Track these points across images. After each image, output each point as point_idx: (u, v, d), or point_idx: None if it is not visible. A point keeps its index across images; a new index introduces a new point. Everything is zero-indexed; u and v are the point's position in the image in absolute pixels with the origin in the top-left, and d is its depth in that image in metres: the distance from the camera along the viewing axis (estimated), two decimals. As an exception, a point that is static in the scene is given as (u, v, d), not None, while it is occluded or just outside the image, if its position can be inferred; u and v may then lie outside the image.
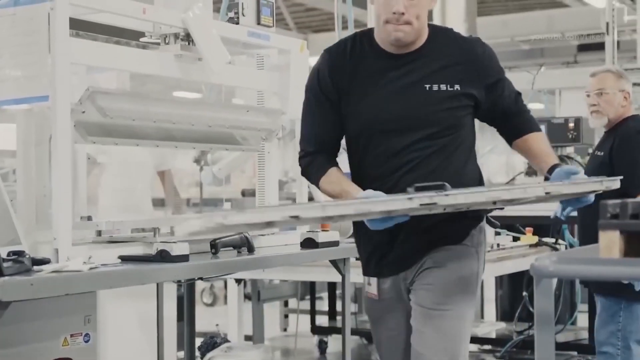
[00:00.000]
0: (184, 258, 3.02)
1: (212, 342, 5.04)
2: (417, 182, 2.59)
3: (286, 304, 8.43)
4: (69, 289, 2.69)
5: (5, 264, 2.57)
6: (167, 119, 3.43)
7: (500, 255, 5.08)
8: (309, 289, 7.52)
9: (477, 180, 2.96)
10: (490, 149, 10.52)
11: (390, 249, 2.91)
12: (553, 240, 5.93)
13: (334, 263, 3.91)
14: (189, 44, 3.44)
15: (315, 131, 2.95)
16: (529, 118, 3.06)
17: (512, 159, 9.68)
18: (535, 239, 5.65)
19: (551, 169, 2.89)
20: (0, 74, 2.99)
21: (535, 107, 12.46)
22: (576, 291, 6.41)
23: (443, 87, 2.81)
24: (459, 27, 12.89)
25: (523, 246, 5.55)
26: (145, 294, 4.78)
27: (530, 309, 6.00)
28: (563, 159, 6.30)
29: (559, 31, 16.70)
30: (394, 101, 2.82)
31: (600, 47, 8.74)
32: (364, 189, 2.74)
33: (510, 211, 6.33)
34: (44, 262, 2.78)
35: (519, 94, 3.04)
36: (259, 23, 3.85)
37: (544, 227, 5.94)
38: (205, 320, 7.47)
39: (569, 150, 6.79)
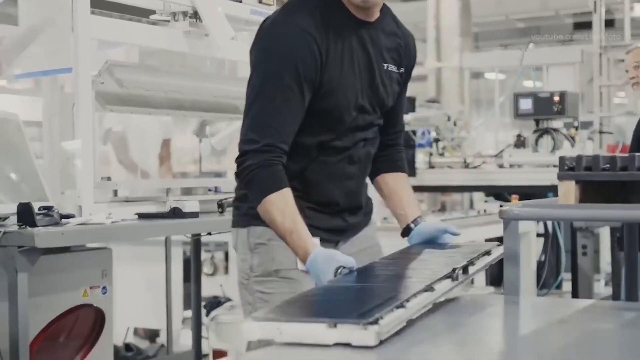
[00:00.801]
0: (194, 215, 3.35)
1: (216, 301, 5.36)
2: (369, 158, 2.48)
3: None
4: (95, 238, 3.02)
5: (37, 217, 2.89)
6: (177, 89, 3.74)
7: (487, 220, 5.41)
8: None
9: None
10: (482, 122, 10.85)
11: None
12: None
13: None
14: (196, 21, 3.74)
15: (281, 123, 2.31)
16: (402, 156, 2.66)
17: (500, 134, 10.00)
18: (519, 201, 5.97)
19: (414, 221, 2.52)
20: (28, 50, 3.29)
21: (525, 84, 12.76)
22: (561, 260, 6.72)
23: (394, 68, 2.53)
24: (454, 5, 13.17)
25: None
26: (153, 258, 5.12)
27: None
28: (549, 131, 6.62)
29: (553, 9, 16.91)
30: (366, 79, 2.46)
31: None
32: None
33: (498, 181, 6.71)
34: (69, 216, 3.10)
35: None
36: (260, 2, 4.15)
37: (528, 196, 6.26)
38: (206, 288, 7.78)
39: (557, 124, 7.09)
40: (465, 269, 2.04)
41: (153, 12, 3.94)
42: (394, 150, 2.62)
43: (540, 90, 7.52)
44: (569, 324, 1.89)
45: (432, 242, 2.49)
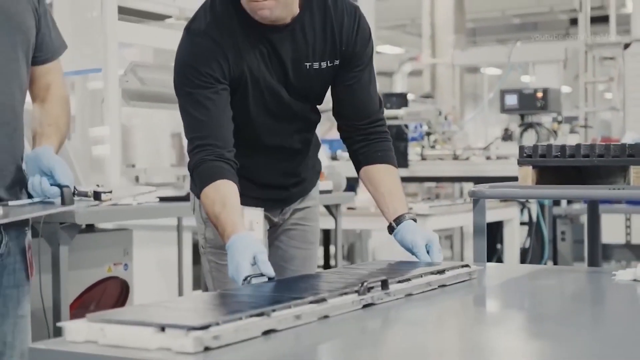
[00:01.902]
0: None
1: (223, 281, 5.80)
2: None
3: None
4: (124, 217, 3.47)
5: (75, 198, 3.33)
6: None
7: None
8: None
9: None
10: (472, 117, 11.29)
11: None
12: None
13: (328, 208, 4.68)
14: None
15: (202, 127, 2.33)
16: (384, 146, 2.53)
17: (492, 129, 10.46)
18: (506, 194, 6.43)
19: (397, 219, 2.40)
20: (61, 51, 3.73)
21: (523, 79, 13.17)
22: (545, 247, 7.15)
23: (323, 64, 2.44)
24: (448, 2, 13.58)
25: (494, 201, 6.32)
26: (166, 242, 5.56)
27: (502, 260, 6.80)
28: (533, 125, 7.08)
29: (548, 6, 17.29)
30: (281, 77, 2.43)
31: (591, 21, 9.33)
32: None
33: (486, 172, 7.14)
34: (100, 197, 3.55)
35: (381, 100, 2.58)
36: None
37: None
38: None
39: (544, 119, 7.55)
40: (384, 284, 1.86)
41: (169, 17, 4.39)
42: (372, 142, 2.50)
43: (525, 87, 7.97)
44: (518, 281, 2.34)
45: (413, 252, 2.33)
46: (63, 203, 2.41)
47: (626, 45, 8.21)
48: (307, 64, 2.40)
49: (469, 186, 8.40)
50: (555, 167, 2.75)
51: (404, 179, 7.03)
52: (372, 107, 2.51)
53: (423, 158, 7.34)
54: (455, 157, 7.27)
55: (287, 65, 2.38)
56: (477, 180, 7.80)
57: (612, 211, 5.96)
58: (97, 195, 3.47)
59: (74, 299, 3.75)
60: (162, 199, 3.77)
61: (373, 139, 2.51)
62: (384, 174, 2.49)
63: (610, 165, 2.63)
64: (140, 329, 1.46)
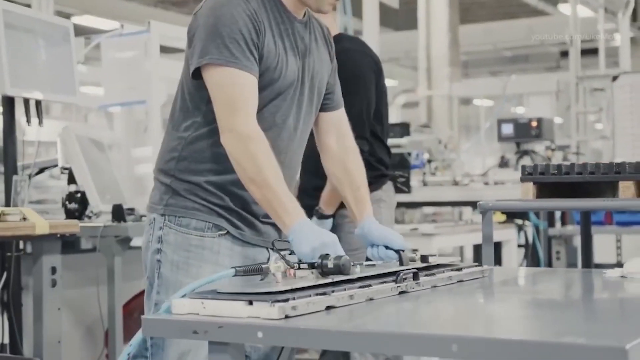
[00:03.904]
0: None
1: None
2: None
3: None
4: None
5: (126, 215, 3.76)
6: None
7: (473, 228, 6.28)
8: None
9: None
10: (469, 146, 11.72)
11: None
12: (521, 221, 7.12)
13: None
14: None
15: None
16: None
17: (487, 159, 10.87)
18: (504, 217, 6.86)
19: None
20: (109, 85, 4.17)
21: (518, 110, 13.61)
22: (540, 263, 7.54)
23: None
24: (443, 37, 14.08)
25: (493, 223, 6.72)
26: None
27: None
28: (528, 152, 7.53)
29: (539, 39, 17.82)
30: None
31: (581, 53, 9.76)
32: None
33: (484, 197, 7.53)
34: (144, 216, 3.97)
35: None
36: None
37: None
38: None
39: (538, 147, 7.99)
40: (415, 275, 2.19)
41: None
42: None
43: (520, 117, 8.41)
44: (519, 285, 2.76)
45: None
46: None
47: (614, 78, 8.64)
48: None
49: (467, 210, 8.83)
50: (553, 184, 3.18)
51: (407, 204, 7.46)
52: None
53: (425, 184, 7.75)
54: (455, 183, 7.68)
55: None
56: (476, 205, 8.20)
57: (603, 232, 6.39)
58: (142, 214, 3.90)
59: (123, 305, 4.13)
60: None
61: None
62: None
63: (601, 180, 3.06)
64: (233, 303, 1.82)
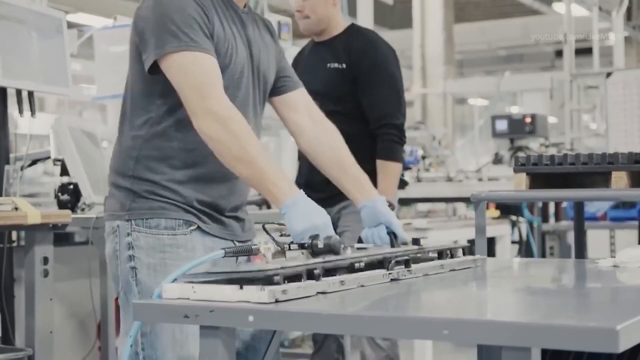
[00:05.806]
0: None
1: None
2: None
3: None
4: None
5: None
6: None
7: (467, 223, 6.28)
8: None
9: None
10: (462, 144, 11.74)
11: None
12: (515, 217, 7.13)
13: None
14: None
15: None
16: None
17: (480, 158, 10.91)
18: (497, 212, 6.87)
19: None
20: (102, 78, 4.16)
21: (512, 109, 13.66)
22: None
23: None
24: (438, 36, 14.11)
25: (487, 218, 6.73)
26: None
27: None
28: (522, 148, 7.54)
29: (534, 38, 17.88)
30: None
31: (576, 52, 9.79)
32: None
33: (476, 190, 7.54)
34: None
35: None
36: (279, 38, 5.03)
37: (505, 204, 7.14)
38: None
39: (532, 144, 8.00)
40: (407, 263, 2.19)
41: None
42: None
43: (514, 113, 8.44)
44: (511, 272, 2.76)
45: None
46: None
47: (608, 74, 8.66)
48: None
49: (461, 206, 8.86)
50: (546, 175, 3.18)
51: (402, 200, 7.46)
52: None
53: (418, 180, 7.77)
54: (449, 179, 7.70)
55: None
56: (469, 200, 8.23)
57: (597, 227, 6.40)
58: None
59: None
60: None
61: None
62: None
63: (594, 171, 3.06)
64: (223, 287, 1.82)
